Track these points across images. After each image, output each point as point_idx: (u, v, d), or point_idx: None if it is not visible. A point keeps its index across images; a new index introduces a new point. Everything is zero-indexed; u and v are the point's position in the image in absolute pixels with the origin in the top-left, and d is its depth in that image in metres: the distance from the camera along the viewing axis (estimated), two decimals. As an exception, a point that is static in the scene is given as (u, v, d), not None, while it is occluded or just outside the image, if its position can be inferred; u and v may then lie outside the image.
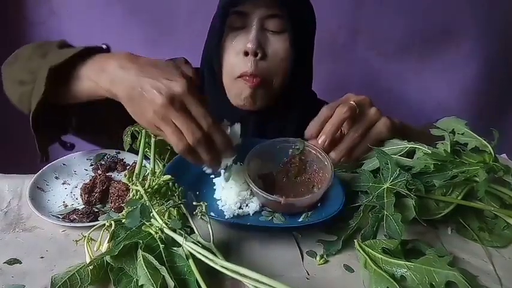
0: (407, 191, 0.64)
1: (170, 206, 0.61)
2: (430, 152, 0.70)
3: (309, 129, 0.74)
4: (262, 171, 0.74)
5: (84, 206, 0.72)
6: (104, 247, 0.59)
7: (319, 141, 0.72)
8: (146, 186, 0.63)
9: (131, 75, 0.63)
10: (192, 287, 0.52)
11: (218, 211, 0.68)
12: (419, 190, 0.66)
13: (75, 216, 0.68)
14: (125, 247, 0.55)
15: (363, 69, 1.67)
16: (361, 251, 0.59)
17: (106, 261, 0.55)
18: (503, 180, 0.69)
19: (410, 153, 0.73)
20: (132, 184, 0.64)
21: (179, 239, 0.55)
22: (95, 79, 0.68)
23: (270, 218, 0.68)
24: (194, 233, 0.57)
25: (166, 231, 0.57)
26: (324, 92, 1.04)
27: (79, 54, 0.70)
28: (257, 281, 0.50)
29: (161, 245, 0.55)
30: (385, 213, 0.63)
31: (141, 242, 0.55)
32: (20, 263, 0.60)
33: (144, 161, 0.73)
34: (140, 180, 0.66)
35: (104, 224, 0.60)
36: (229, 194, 0.69)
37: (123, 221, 0.60)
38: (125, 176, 0.67)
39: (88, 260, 0.56)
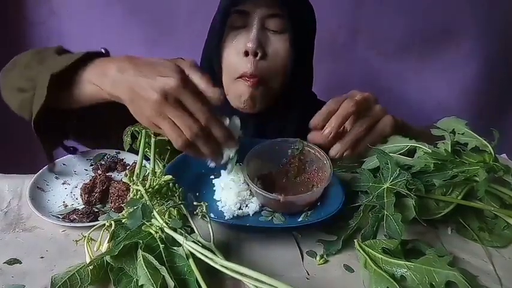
0: (407, 190, 0.64)
1: (170, 206, 0.61)
2: (430, 151, 0.70)
3: (314, 120, 0.74)
4: (262, 172, 0.74)
5: (84, 206, 0.72)
6: (104, 247, 0.59)
7: (324, 133, 0.72)
8: (147, 186, 0.64)
9: (130, 76, 0.64)
10: (192, 287, 0.52)
11: (218, 212, 0.68)
12: (419, 190, 0.66)
13: (75, 216, 0.68)
14: (125, 247, 0.55)
15: (363, 69, 1.67)
16: (361, 251, 0.59)
17: (106, 261, 0.55)
18: (503, 180, 0.69)
19: (411, 152, 0.73)
20: (133, 184, 0.64)
21: (179, 238, 0.55)
22: (98, 83, 0.68)
23: (270, 218, 0.68)
24: (194, 232, 0.57)
25: (167, 230, 0.57)
26: (324, 92, 1.04)
27: (80, 59, 0.71)
28: (257, 280, 0.50)
29: (161, 245, 0.55)
30: (385, 213, 0.63)
31: (141, 242, 0.55)
32: (20, 263, 0.60)
33: (144, 161, 0.73)
34: (140, 180, 0.66)
35: (104, 224, 0.60)
36: (229, 194, 0.69)
37: (123, 221, 0.60)
38: (125, 175, 0.67)
39: (88, 260, 0.56)
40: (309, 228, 0.66)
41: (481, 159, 0.70)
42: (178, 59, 1.01)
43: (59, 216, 0.68)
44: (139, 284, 0.52)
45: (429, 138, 0.74)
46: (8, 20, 1.53)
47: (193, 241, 0.55)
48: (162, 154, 0.76)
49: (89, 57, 0.71)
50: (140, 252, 0.54)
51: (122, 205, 0.69)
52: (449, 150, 0.71)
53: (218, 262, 0.53)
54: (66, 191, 0.76)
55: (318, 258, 0.63)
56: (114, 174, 0.80)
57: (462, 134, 0.73)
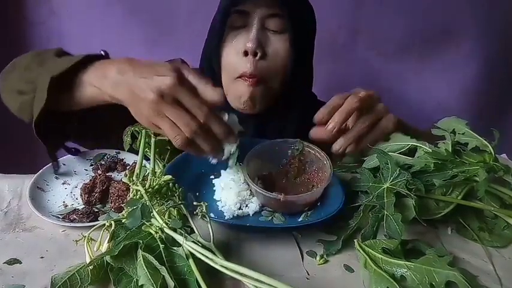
0: (408, 190, 0.64)
1: (170, 206, 0.61)
2: (430, 150, 0.70)
3: (318, 115, 0.74)
4: (262, 172, 0.74)
5: (84, 206, 0.72)
6: (104, 247, 0.59)
7: (328, 128, 0.73)
8: (147, 186, 0.64)
9: (129, 77, 0.64)
10: (192, 287, 0.52)
11: (218, 212, 0.68)
12: (420, 190, 0.66)
13: (75, 216, 0.68)
14: (124, 247, 0.55)
15: (363, 69, 1.67)
16: (361, 251, 0.59)
17: (106, 261, 0.55)
18: (503, 180, 0.69)
19: (412, 151, 0.74)
20: (133, 184, 0.64)
21: (179, 238, 0.55)
22: (98, 85, 0.69)
23: (270, 218, 0.68)
24: (194, 233, 0.57)
25: (167, 230, 0.57)
26: (324, 92, 1.04)
27: (80, 62, 0.71)
28: (257, 280, 0.50)
29: (161, 245, 0.55)
30: (385, 213, 0.63)
31: (141, 242, 0.55)
32: (20, 263, 0.60)
33: (144, 161, 0.73)
34: (140, 180, 0.66)
35: (104, 224, 0.60)
36: (229, 194, 0.69)
37: (123, 221, 0.60)
38: (125, 176, 0.67)
39: (88, 260, 0.56)
40: (309, 228, 0.66)
41: (481, 159, 0.70)
42: (177, 60, 1.02)
43: (59, 216, 0.68)
44: (139, 284, 0.52)
45: (429, 139, 0.74)
46: (8, 20, 1.52)
47: (193, 241, 0.55)
48: (162, 154, 0.76)
49: (89, 60, 0.71)
50: (140, 252, 0.54)
51: (122, 205, 0.69)
52: (450, 150, 0.71)
53: (218, 262, 0.53)
54: (66, 191, 0.76)
55: (318, 258, 0.63)
56: (114, 174, 0.80)
57: (462, 134, 0.73)
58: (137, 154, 0.74)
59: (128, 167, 0.81)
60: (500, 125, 1.75)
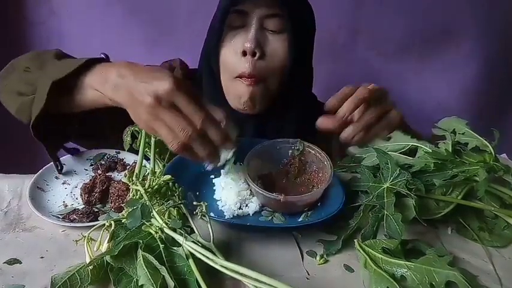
0: (408, 190, 0.64)
1: (170, 206, 0.61)
2: (431, 150, 0.71)
3: (329, 103, 0.77)
4: (262, 172, 0.74)
5: (84, 206, 0.72)
6: (104, 247, 0.59)
7: (339, 115, 0.75)
8: (146, 186, 0.64)
9: (129, 81, 0.64)
10: (192, 287, 0.52)
11: (218, 211, 0.68)
12: (420, 190, 0.66)
13: (75, 216, 0.68)
14: (124, 247, 0.55)
15: (363, 69, 1.67)
16: (361, 250, 0.59)
17: (106, 261, 0.55)
18: (503, 180, 0.69)
19: (412, 151, 0.74)
20: (132, 184, 0.64)
21: (179, 238, 0.55)
22: (100, 89, 0.69)
23: (270, 218, 0.68)
24: (194, 232, 0.57)
25: (167, 230, 0.57)
26: (324, 92, 1.04)
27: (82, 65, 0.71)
28: (257, 280, 0.50)
29: (161, 245, 0.55)
30: (385, 212, 0.63)
31: (141, 242, 0.55)
32: (20, 263, 0.60)
33: (144, 161, 0.73)
34: (140, 180, 0.66)
35: (104, 224, 0.60)
36: (229, 194, 0.69)
37: (123, 221, 0.60)
38: (125, 176, 0.67)
39: (88, 260, 0.56)
40: (309, 228, 0.66)
41: (481, 159, 0.70)
42: (176, 60, 1.02)
43: (59, 216, 0.68)
44: (139, 284, 0.52)
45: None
46: (8, 20, 1.52)
47: (193, 241, 0.55)
48: (162, 154, 0.76)
49: (90, 63, 0.72)
50: (140, 252, 0.54)
51: (122, 205, 0.69)
52: (450, 150, 0.71)
53: (218, 262, 0.53)
54: (66, 191, 0.76)
55: (318, 258, 0.63)
56: (114, 174, 0.80)
57: (463, 133, 0.74)
58: (137, 154, 0.74)
59: (127, 167, 0.81)
60: (500, 125, 1.75)
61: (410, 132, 0.78)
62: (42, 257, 0.61)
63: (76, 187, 0.76)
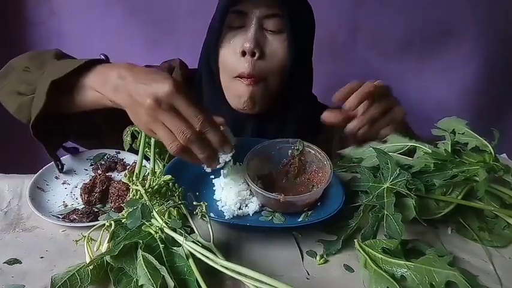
0: (408, 190, 0.64)
1: (170, 206, 0.61)
2: (430, 151, 0.70)
3: (336, 95, 0.78)
4: (262, 172, 0.74)
5: (84, 206, 0.72)
6: (104, 247, 0.59)
7: (346, 107, 0.76)
8: (146, 186, 0.64)
9: (128, 82, 0.65)
10: (192, 287, 0.52)
11: (218, 212, 0.68)
12: (420, 190, 0.66)
13: (75, 216, 0.68)
14: (124, 247, 0.55)
15: (363, 69, 1.67)
16: (361, 250, 0.59)
17: (106, 261, 0.55)
18: (503, 180, 0.69)
19: (411, 152, 0.74)
20: (133, 184, 0.64)
21: (179, 238, 0.55)
22: (100, 90, 0.69)
23: (270, 218, 0.68)
24: (194, 232, 0.57)
25: (167, 230, 0.57)
26: (324, 92, 1.04)
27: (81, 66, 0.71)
28: (257, 280, 0.50)
29: (161, 245, 0.55)
30: (385, 212, 0.63)
31: (141, 242, 0.55)
32: (20, 263, 0.60)
33: (144, 161, 0.73)
34: (140, 180, 0.66)
35: (104, 224, 0.60)
36: (229, 194, 0.69)
37: (123, 221, 0.60)
38: (125, 176, 0.67)
39: (88, 260, 0.56)
40: (309, 228, 0.66)
41: (481, 159, 0.70)
42: (175, 60, 1.02)
43: (59, 216, 0.68)
44: (139, 284, 0.52)
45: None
46: (8, 20, 1.52)
47: (193, 241, 0.55)
48: (162, 154, 0.76)
49: (89, 64, 0.72)
50: (140, 252, 0.54)
51: (122, 205, 0.69)
52: (450, 150, 0.71)
53: (218, 262, 0.53)
54: (66, 190, 0.76)
55: (318, 258, 0.63)
56: (114, 174, 0.80)
57: (462, 133, 0.73)
58: (137, 154, 0.74)
59: (127, 167, 0.81)
60: (500, 125, 1.75)
61: (410, 133, 0.78)
62: (42, 257, 0.61)
63: (76, 187, 0.76)
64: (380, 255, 0.57)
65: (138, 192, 0.63)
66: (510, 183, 0.69)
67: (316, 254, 0.63)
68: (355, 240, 0.61)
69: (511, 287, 0.60)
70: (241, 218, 0.68)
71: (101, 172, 0.79)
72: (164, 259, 0.54)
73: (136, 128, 0.76)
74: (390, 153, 0.72)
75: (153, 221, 0.58)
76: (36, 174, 0.76)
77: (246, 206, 0.69)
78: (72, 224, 0.66)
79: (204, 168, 0.68)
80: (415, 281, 0.54)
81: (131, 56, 0.98)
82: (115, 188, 0.72)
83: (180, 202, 0.62)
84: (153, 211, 0.59)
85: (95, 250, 0.59)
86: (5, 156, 1.52)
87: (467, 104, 1.72)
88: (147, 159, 0.74)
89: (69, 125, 0.81)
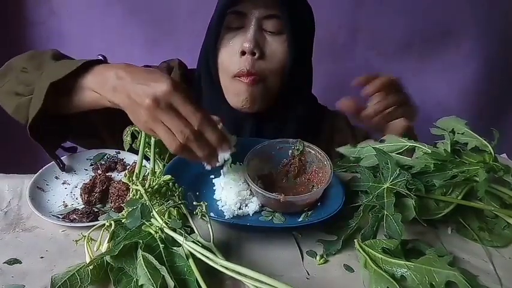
0: (407, 190, 0.64)
1: (170, 206, 0.61)
2: (430, 151, 0.70)
3: (356, 80, 0.80)
4: (262, 172, 0.74)
5: (84, 206, 0.72)
6: (104, 247, 0.59)
7: (365, 93, 0.79)
8: (146, 186, 0.64)
9: (127, 83, 0.65)
10: (192, 287, 0.52)
11: (218, 211, 0.68)
12: (419, 190, 0.66)
13: (75, 216, 0.68)
14: (124, 247, 0.55)
15: (363, 69, 1.67)
16: (361, 250, 0.59)
17: (106, 261, 0.55)
18: (503, 180, 0.69)
19: (409, 152, 0.74)
20: (133, 184, 0.64)
21: (179, 238, 0.55)
22: (98, 91, 0.69)
23: (270, 218, 0.68)
24: (194, 232, 0.57)
25: (167, 230, 0.57)
26: (324, 92, 1.04)
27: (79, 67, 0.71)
28: (257, 280, 0.50)
29: (161, 245, 0.55)
30: (385, 213, 0.63)
31: (141, 241, 0.55)
32: (20, 263, 0.60)
33: (144, 161, 0.73)
34: (140, 180, 0.66)
35: (104, 224, 0.60)
36: (229, 194, 0.69)
37: (123, 221, 0.60)
38: (125, 176, 0.67)
39: (88, 260, 0.56)
40: (309, 228, 0.66)
41: (481, 159, 0.70)
42: (174, 60, 1.02)
43: (59, 216, 0.68)
44: (139, 284, 0.52)
45: None
46: (8, 20, 1.53)
47: (193, 241, 0.55)
48: (162, 154, 0.76)
49: (88, 65, 0.72)
50: (140, 252, 0.54)
51: (122, 205, 0.69)
52: (449, 150, 0.71)
53: (218, 262, 0.53)
54: (66, 190, 0.76)
55: (318, 258, 0.63)
56: (114, 174, 0.80)
57: (462, 133, 0.73)
58: (137, 154, 0.74)
59: (127, 167, 0.81)
60: (500, 125, 1.75)
61: (414, 138, 0.78)
62: (42, 257, 0.61)
63: (76, 187, 0.76)
64: (380, 255, 0.57)
65: (138, 192, 0.63)
66: (510, 183, 0.69)
67: (316, 254, 0.63)
68: (355, 240, 0.61)
69: (511, 287, 0.60)
70: (241, 218, 0.68)
71: (101, 172, 0.79)
72: (164, 259, 0.54)
73: (136, 128, 0.76)
74: (389, 153, 0.72)
75: (153, 220, 0.58)
76: (36, 174, 0.76)
77: (246, 205, 0.69)
78: (72, 224, 0.66)
79: (204, 166, 0.68)
80: (415, 281, 0.54)
81: (131, 56, 0.99)
82: (115, 188, 0.72)
83: (180, 202, 0.62)
84: (153, 211, 0.59)
85: (95, 250, 0.59)
86: (5, 156, 1.52)
87: (467, 104, 1.72)
88: (147, 159, 0.73)
89: (68, 126, 0.81)
